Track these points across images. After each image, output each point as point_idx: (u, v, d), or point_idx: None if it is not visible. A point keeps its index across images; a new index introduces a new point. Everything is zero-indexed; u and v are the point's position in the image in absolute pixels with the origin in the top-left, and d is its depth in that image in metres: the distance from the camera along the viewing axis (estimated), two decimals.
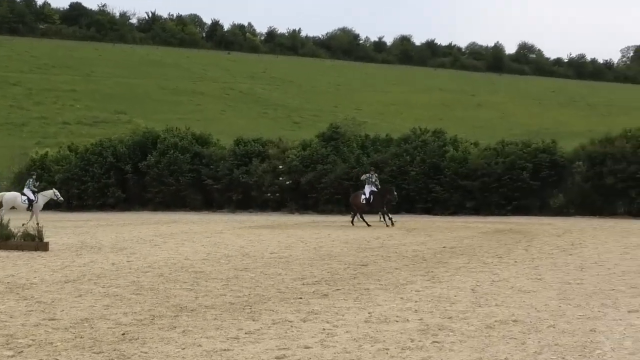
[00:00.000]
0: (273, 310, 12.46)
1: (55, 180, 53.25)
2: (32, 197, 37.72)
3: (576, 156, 44.92)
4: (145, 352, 9.66)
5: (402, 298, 13.62)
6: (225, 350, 9.72)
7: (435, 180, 46.12)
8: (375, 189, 35.97)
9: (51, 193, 39.48)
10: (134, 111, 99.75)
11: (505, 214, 43.96)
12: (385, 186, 37.12)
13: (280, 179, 50.09)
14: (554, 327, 10.80)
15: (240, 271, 18.00)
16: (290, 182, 49.84)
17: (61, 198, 40.35)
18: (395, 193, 37.92)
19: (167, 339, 10.42)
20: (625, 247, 23.59)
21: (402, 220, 40.85)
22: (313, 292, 14.52)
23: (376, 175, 37.50)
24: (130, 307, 13.00)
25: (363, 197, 35.74)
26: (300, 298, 13.78)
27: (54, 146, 60.21)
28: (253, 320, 11.62)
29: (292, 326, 11.15)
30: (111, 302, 13.53)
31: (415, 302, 13.18)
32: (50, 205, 40.25)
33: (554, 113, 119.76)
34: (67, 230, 33.57)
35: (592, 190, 43.30)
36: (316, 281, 16.08)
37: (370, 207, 35.90)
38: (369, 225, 35.07)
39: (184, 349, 9.84)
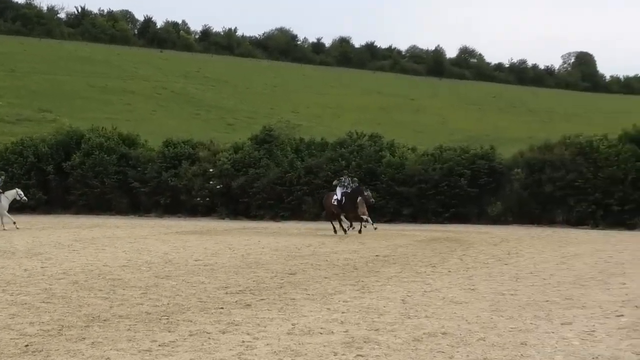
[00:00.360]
0: (191, 321, 12.17)
1: None
2: None
3: (515, 163, 45.20)
4: None
5: (328, 309, 13.42)
6: None
7: (371, 186, 45.95)
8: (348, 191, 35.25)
9: (14, 193, 38.39)
10: (60, 109, 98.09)
11: (442, 222, 44.08)
12: (357, 187, 36.00)
13: (211, 182, 49.59)
14: (484, 340, 10.69)
15: (161, 279, 17.65)
16: (221, 186, 49.33)
17: (25, 198, 39.04)
18: (368, 192, 37.63)
19: (74, 351, 10.05)
20: (562, 257, 23.70)
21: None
22: (236, 301, 14.25)
23: (351, 179, 36.43)
24: (38, 317, 12.58)
25: (334, 197, 34.99)
26: (222, 308, 13.51)
27: None
28: (169, 332, 11.32)
29: (209, 338, 10.88)
30: (18, 311, 13.09)
31: (342, 313, 12.99)
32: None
33: (495, 118, 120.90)
34: None
35: (531, 198, 43.63)
36: (240, 290, 15.83)
37: (342, 209, 35.14)
38: (335, 232, 34.60)
39: None
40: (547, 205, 43.45)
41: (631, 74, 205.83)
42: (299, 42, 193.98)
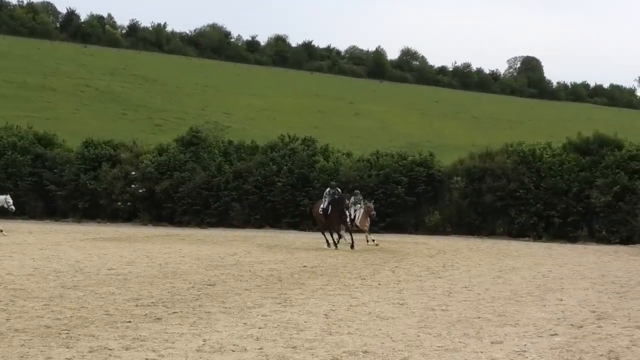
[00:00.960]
0: (93, 336, 11.78)
1: None
2: None
3: (454, 171, 45.27)
4: None
5: (245, 324, 13.15)
6: None
7: (303, 192, 45.75)
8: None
9: (2, 200, 37.27)
10: None
11: (377, 232, 43.64)
12: (342, 195, 33.68)
13: (133, 186, 48.89)
14: None
15: (68, 289, 17.19)
16: (144, 190, 48.67)
17: (12, 207, 38.03)
18: (371, 204, 36.08)
19: None
20: (500, 271, 23.72)
21: (265, 235, 40.45)
22: (145, 315, 13.91)
23: (338, 191, 33.93)
24: None
25: (321, 207, 33.23)
26: (129, 322, 13.15)
27: None
28: (67, 348, 10.92)
29: (110, 355, 10.52)
30: None
31: (260, 328, 12.72)
32: None
33: (437, 124, 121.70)
34: None
35: (470, 208, 43.75)
36: (152, 302, 15.47)
37: (327, 219, 32.79)
38: (328, 246, 32.41)
39: None
40: (487, 216, 43.68)
41: (578, 80, 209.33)
42: (232, 40, 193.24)
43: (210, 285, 18.45)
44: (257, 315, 14.08)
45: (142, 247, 30.77)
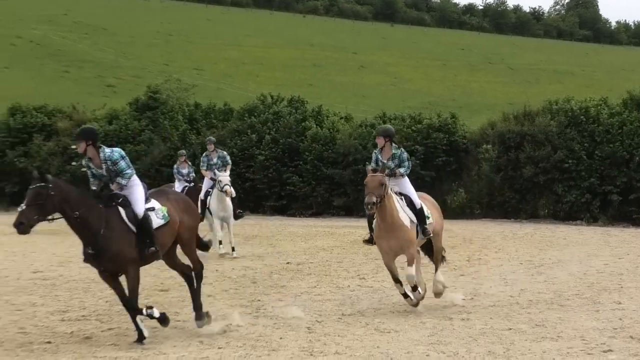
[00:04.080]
0: None
1: None
2: None
3: (484, 137, 44.74)
4: None
5: (201, 342, 13.02)
6: None
7: (291, 167, 45.38)
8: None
9: None
10: None
11: None
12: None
13: (74, 164, 48.41)
14: None
15: None
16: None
17: None
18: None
19: None
20: (541, 265, 23.41)
21: (242, 223, 40.02)
22: (71, 333, 13.71)
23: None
24: None
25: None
26: (49, 342, 12.89)
27: None
28: None
29: None
30: None
31: (219, 348, 12.54)
32: None
33: (463, 78, 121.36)
34: None
35: (505, 184, 43.28)
36: (83, 316, 15.34)
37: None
38: None
39: None
40: (526, 194, 43.23)
41: None
42: None
43: (162, 290, 18.26)
44: (220, 330, 13.79)
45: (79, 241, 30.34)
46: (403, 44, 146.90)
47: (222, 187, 25.98)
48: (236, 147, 46.10)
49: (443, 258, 17.55)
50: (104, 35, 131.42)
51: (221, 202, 26.41)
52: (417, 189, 44.28)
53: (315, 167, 45.18)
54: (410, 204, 16.60)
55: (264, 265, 22.87)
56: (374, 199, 15.10)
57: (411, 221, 16.14)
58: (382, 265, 22.76)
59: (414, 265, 15.65)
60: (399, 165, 17.09)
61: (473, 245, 29.28)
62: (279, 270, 21.91)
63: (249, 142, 46.11)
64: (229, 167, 28.63)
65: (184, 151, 32.70)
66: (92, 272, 20.82)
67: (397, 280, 15.90)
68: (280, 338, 13.08)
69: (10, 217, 32.93)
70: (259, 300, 16.89)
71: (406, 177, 17.18)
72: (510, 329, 13.93)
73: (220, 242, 25.65)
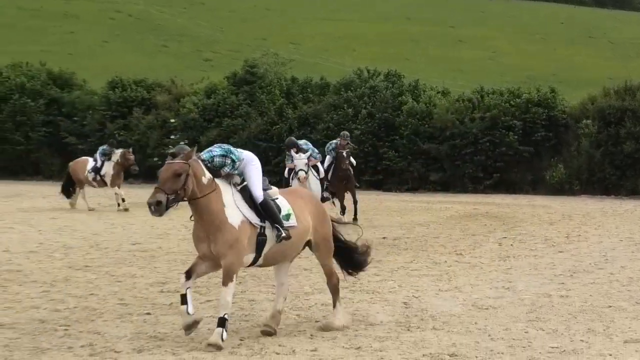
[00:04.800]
0: (99, 334, 11.60)
1: None
2: None
3: (584, 112, 44.21)
4: None
5: (298, 316, 13.00)
6: None
7: (387, 142, 45.24)
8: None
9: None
10: None
11: (483, 191, 43.14)
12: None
13: (172, 137, 48.84)
14: None
15: (77, 270, 17.16)
16: (186, 142, 48.59)
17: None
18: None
19: None
20: (639, 243, 22.89)
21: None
22: (171, 304, 13.67)
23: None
24: None
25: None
26: (148, 314, 12.97)
27: None
28: (60, 350, 10.63)
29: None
30: None
31: (316, 322, 12.44)
32: None
33: (562, 52, 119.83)
34: None
35: (605, 159, 42.72)
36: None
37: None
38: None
39: None
40: (627, 170, 42.60)
41: None
42: None
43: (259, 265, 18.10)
44: (315, 303, 13.87)
45: (180, 213, 30.49)
46: (501, 17, 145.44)
47: (297, 173, 24.66)
48: (332, 122, 46.09)
49: (336, 290, 12.48)
50: (202, 10, 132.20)
51: (302, 186, 23.83)
52: (514, 165, 44.48)
53: (412, 142, 44.97)
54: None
55: (360, 240, 22.76)
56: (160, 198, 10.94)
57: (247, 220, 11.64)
58: (479, 241, 22.74)
59: (230, 285, 11.31)
60: None
61: (572, 222, 28.82)
62: (375, 245, 21.70)
63: (345, 116, 46.03)
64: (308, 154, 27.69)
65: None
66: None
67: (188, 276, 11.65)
68: (377, 313, 13.03)
69: (110, 189, 33.44)
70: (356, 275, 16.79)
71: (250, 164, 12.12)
72: (610, 306, 13.67)
73: None
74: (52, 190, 43.18)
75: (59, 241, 21.78)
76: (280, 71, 52.96)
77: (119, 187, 32.90)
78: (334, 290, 12.35)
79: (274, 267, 12.44)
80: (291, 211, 11.92)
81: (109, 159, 33.10)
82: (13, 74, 52.59)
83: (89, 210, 31.56)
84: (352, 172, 27.66)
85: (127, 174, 35.60)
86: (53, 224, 26.43)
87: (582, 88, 58.63)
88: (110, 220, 27.72)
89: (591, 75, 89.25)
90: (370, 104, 46.25)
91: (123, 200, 32.36)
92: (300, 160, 23.48)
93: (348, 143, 28.23)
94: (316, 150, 26.99)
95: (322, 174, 25.18)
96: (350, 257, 13.28)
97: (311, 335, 11.53)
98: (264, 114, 47.84)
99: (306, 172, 23.12)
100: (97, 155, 33.53)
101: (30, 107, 50.86)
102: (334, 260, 12.82)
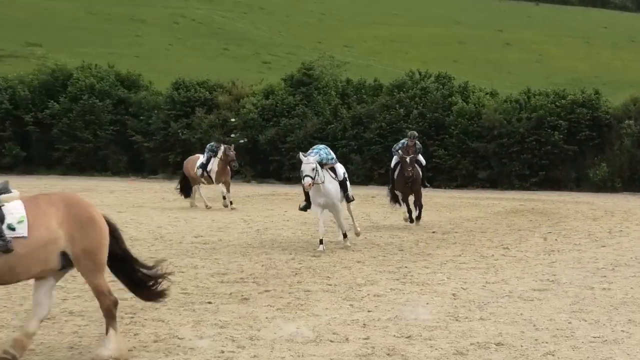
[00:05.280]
0: (163, 321, 11.62)
1: None
2: None
3: (627, 113, 43.81)
4: None
5: (351, 306, 12.81)
6: None
7: (437, 141, 45.08)
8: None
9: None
10: (53, 43, 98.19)
11: (529, 188, 42.94)
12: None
13: (232, 136, 48.80)
14: (552, 356, 9.87)
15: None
16: (245, 140, 48.65)
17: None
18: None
19: None
20: None
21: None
22: (230, 294, 13.73)
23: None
24: None
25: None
26: (209, 302, 12.99)
27: None
28: (127, 336, 10.69)
29: (179, 346, 10.30)
30: None
31: (369, 311, 12.35)
32: None
33: (606, 55, 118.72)
34: None
35: None
36: (241, 278, 15.36)
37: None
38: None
39: None
40: None
41: None
42: None
43: (314, 256, 18.17)
44: (368, 294, 13.72)
45: (239, 208, 30.70)
46: (547, 22, 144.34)
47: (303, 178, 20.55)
48: (384, 121, 46.05)
49: (109, 315, 10.14)
50: (261, 14, 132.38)
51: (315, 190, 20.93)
52: (559, 163, 44.14)
53: (460, 141, 44.84)
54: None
55: (410, 234, 22.70)
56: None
57: None
58: (525, 236, 22.61)
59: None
60: None
61: (614, 218, 28.58)
62: (425, 239, 21.73)
63: (397, 116, 45.95)
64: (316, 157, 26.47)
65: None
66: (249, 238, 21.25)
67: None
68: (427, 303, 12.96)
69: (174, 185, 33.54)
70: (406, 267, 16.73)
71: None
72: None
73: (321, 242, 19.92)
74: (118, 185, 43.73)
75: (125, 234, 21.80)
76: (336, 73, 52.84)
77: (224, 184, 31.85)
78: (107, 315, 10.00)
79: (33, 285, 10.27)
80: (24, 219, 9.74)
81: (215, 155, 32.32)
82: (83, 76, 52.86)
83: (207, 208, 30.79)
84: (420, 173, 26.21)
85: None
86: (120, 217, 26.27)
87: (625, 90, 58.06)
88: (174, 214, 27.79)
89: (634, 77, 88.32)
90: (421, 104, 46.12)
91: (224, 197, 31.59)
92: (307, 165, 20.24)
93: (415, 144, 26.80)
94: (331, 155, 25.66)
95: (341, 176, 22.39)
96: (138, 280, 10.82)
97: (364, 324, 11.45)
98: (320, 114, 47.82)
99: (313, 178, 20.36)
100: (205, 152, 33.38)
101: (99, 106, 51.04)
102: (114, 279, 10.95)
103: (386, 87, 48.90)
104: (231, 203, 31.10)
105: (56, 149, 51.92)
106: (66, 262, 10.02)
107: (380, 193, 35.55)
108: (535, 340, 10.62)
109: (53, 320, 11.54)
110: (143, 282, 10.76)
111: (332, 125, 47.20)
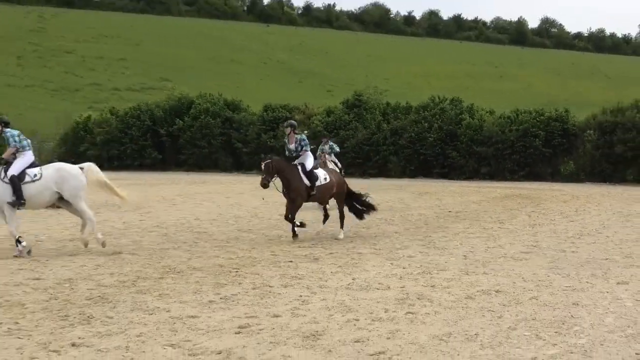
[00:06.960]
0: (259, 274, 11.59)
1: (97, 141, 52.66)
2: None
3: (588, 125, 43.24)
4: (110, 317, 8.76)
5: (391, 264, 12.70)
6: (191, 317, 8.79)
7: (451, 146, 44.74)
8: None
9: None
10: (178, 79, 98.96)
11: (518, 180, 42.57)
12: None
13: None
14: (536, 299, 9.77)
15: (244, 232, 17.23)
16: (314, 147, 48.56)
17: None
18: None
19: (139, 303, 9.52)
20: (628, 215, 22.30)
21: (418, 184, 39.72)
22: (305, 255, 13.67)
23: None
24: (119, 268, 12.15)
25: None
26: (291, 261, 12.92)
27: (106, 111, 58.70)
28: (234, 285, 10.73)
29: (270, 292, 10.26)
30: (103, 262, 12.70)
31: (403, 268, 12.24)
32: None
33: (573, 84, 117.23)
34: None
35: (602, 158, 41.69)
36: (313, 244, 15.27)
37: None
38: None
39: (150, 314, 8.93)
40: (618, 165, 41.53)
41: None
42: (391, 16, 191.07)
43: (365, 228, 18.09)
44: (403, 256, 13.60)
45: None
46: (531, 60, 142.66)
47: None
48: (414, 132, 45.90)
49: None
50: (325, 57, 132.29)
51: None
52: (539, 161, 43.57)
53: (468, 146, 44.52)
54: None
55: (432, 213, 22.51)
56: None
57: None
58: (515, 214, 22.34)
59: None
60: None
61: (579, 201, 28.18)
62: (443, 216, 21.55)
63: (422, 128, 45.72)
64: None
65: None
66: (315, 215, 21.15)
67: None
68: (445, 262, 12.85)
69: (255, 178, 33.64)
70: (430, 236, 16.59)
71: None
72: (607, 259, 13.35)
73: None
74: (224, 179, 43.85)
75: (231, 213, 21.93)
76: (379, 98, 52.75)
77: None
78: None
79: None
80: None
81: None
82: (201, 102, 53.16)
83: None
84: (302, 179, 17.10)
85: None
86: (227, 201, 26.64)
87: (587, 109, 57.22)
88: (266, 199, 27.81)
89: (593, 99, 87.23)
90: (440, 120, 45.81)
91: None
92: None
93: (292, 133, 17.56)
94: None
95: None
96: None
97: (400, 277, 11.40)
98: (367, 127, 47.70)
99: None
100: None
101: (212, 123, 51.31)
102: None
103: (415, 107, 48.61)
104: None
105: (182, 153, 52.35)
106: None
107: (411, 183, 35.62)
108: (524, 288, 10.49)
109: (181, 273, 11.64)
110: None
111: (376, 135, 47.05)
